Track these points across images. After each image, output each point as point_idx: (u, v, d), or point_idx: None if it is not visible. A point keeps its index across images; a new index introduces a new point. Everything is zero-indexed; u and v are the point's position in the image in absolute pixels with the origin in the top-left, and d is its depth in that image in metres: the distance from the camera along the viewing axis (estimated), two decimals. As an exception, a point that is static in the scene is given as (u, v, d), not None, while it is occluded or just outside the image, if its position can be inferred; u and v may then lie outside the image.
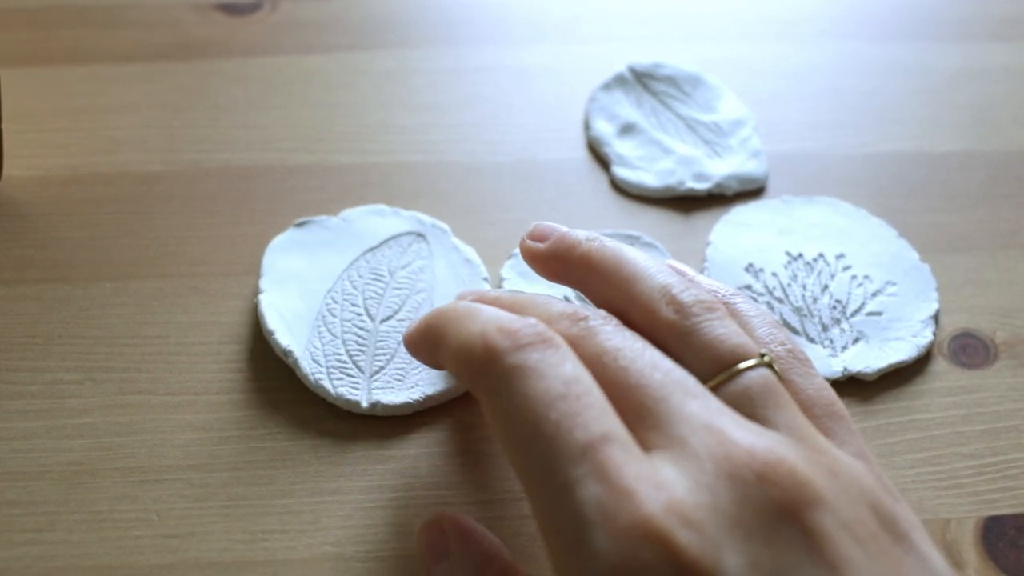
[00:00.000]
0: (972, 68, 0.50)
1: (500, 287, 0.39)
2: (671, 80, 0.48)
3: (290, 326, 0.37)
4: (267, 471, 0.34)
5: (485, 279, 0.39)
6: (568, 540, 0.24)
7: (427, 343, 0.31)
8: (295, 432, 0.35)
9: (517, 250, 0.40)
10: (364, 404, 0.35)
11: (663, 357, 0.28)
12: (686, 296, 0.29)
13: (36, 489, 0.33)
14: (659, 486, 0.24)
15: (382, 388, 0.35)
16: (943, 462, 0.35)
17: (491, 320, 0.28)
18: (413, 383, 0.36)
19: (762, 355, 0.28)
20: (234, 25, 0.51)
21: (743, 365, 0.28)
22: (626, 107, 0.47)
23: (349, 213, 0.41)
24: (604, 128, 0.46)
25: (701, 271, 0.40)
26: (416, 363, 0.36)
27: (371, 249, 0.40)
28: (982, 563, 0.32)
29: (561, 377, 0.26)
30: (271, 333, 0.36)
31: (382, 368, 0.36)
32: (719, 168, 0.44)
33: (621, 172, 0.44)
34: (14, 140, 0.42)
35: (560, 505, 0.24)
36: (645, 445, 0.26)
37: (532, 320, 0.28)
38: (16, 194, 0.42)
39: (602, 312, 0.30)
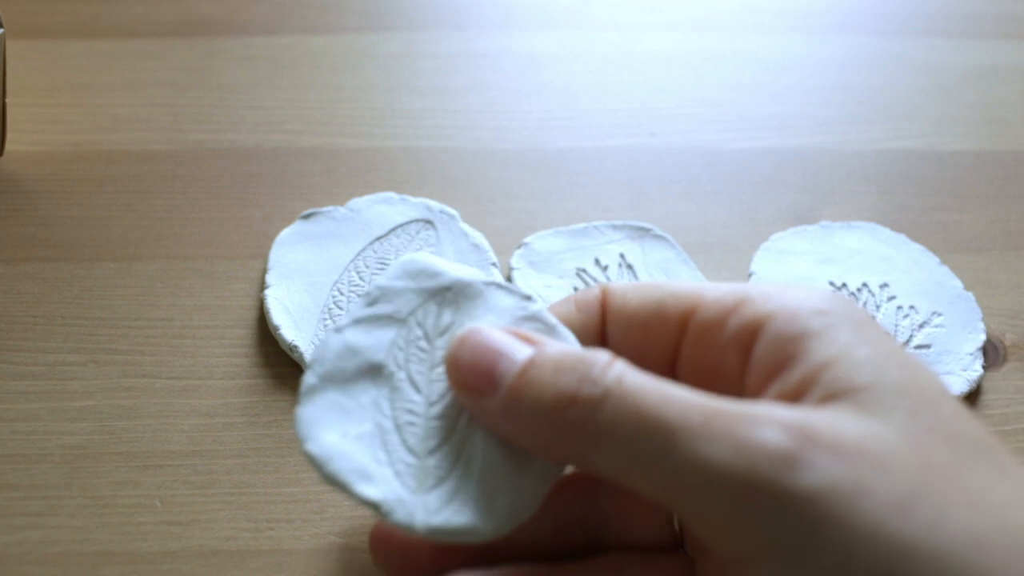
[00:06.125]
0: (983, 66, 0.50)
1: (510, 277, 0.39)
2: None
3: (296, 320, 0.36)
4: (273, 459, 0.33)
5: (494, 264, 0.39)
6: None
7: None
8: (301, 420, 0.34)
9: (527, 239, 0.40)
10: None
11: None
12: None
13: (37, 472, 0.32)
14: None
15: None
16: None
17: None
18: None
19: None
20: (240, 3, 0.50)
21: None
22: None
23: (356, 202, 0.41)
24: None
25: None
26: None
27: (378, 239, 0.39)
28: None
29: None
30: (277, 328, 0.36)
31: None
32: None
33: None
34: (16, 114, 0.42)
35: None
36: None
37: None
38: (18, 170, 0.41)
39: None
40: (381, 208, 0.40)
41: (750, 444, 0.22)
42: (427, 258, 0.29)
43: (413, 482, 0.26)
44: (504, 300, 0.28)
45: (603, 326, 0.28)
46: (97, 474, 0.32)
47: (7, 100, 0.40)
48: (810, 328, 0.25)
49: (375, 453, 0.26)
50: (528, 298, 0.28)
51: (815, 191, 0.43)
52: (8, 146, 0.41)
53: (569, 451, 0.25)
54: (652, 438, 0.23)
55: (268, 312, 0.36)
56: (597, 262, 0.39)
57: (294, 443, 0.33)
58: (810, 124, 0.46)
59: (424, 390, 0.27)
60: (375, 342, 0.27)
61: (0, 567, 0.30)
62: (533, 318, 0.28)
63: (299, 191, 0.41)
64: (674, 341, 0.27)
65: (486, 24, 0.51)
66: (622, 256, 0.40)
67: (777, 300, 0.26)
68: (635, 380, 0.24)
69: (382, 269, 0.38)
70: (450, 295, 0.28)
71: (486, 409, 0.26)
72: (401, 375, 0.27)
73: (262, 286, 0.38)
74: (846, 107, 0.48)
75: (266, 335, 0.36)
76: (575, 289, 0.38)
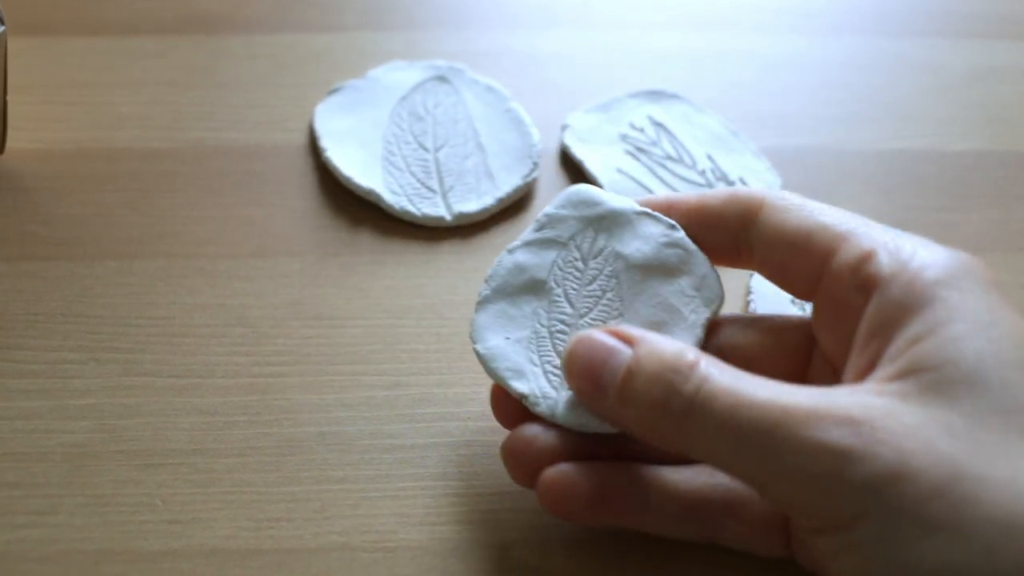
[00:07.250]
0: (984, 66, 0.50)
1: (565, 152, 0.44)
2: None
3: (361, 171, 0.41)
4: (273, 458, 0.33)
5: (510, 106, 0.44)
6: None
7: None
8: (301, 419, 0.34)
9: (567, 120, 0.45)
10: (448, 217, 0.40)
11: None
12: None
13: (38, 471, 0.32)
14: None
15: (459, 201, 0.40)
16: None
17: None
18: (485, 191, 0.41)
19: None
20: (242, 0, 0.50)
21: None
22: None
23: (373, 72, 0.45)
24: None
25: (747, 305, 0.39)
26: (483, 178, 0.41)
27: (403, 98, 0.44)
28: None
29: None
30: (349, 179, 0.40)
31: (452, 187, 0.41)
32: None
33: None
34: (17, 112, 0.42)
35: None
36: None
37: None
38: (19, 168, 0.41)
39: None
40: (396, 74, 0.45)
41: (815, 445, 0.25)
42: (589, 190, 0.33)
43: (557, 381, 0.31)
44: (651, 228, 0.33)
45: (744, 228, 0.31)
46: (98, 472, 0.32)
47: (9, 98, 0.40)
48: (916, 303, 0.27)
49: (530, 355, 0.32)
50: (673, 227, 0.32)
51: (815, 191, 0.43)
52: (9, 144, 0.41)
53: (671, 447, 0.28)
54: (730, 443, 0.26)
55: (336, 169, 0.41)
56: (632, 126, 0.44)
57: (294, 442, 0.34)
58: (810, 124, 0.46)
59: (576, 304, 0.32)
60: (540, 261, 0.33)
61: (0, 565, 0.30)
62: (675, 244, 0.32)
63: (300, 189, 0.41)
64: (817, 270, 0.30)
65: (487, 23, 0.51)
66: (649, 117, 0.45)
67: (899, 262, 0.28)
68: (714, 388, 0.27)
69: (417, 120, 0.43)
70: (605, 222, 0.33)
71: (600, 409, 0.29)
72: (558, 291, 0.32)
73: (317, 153, 0.42)
74: (847, 106, 0.47)
75: (266, 334, 0.36)
76: (627, 152, 0.43)
